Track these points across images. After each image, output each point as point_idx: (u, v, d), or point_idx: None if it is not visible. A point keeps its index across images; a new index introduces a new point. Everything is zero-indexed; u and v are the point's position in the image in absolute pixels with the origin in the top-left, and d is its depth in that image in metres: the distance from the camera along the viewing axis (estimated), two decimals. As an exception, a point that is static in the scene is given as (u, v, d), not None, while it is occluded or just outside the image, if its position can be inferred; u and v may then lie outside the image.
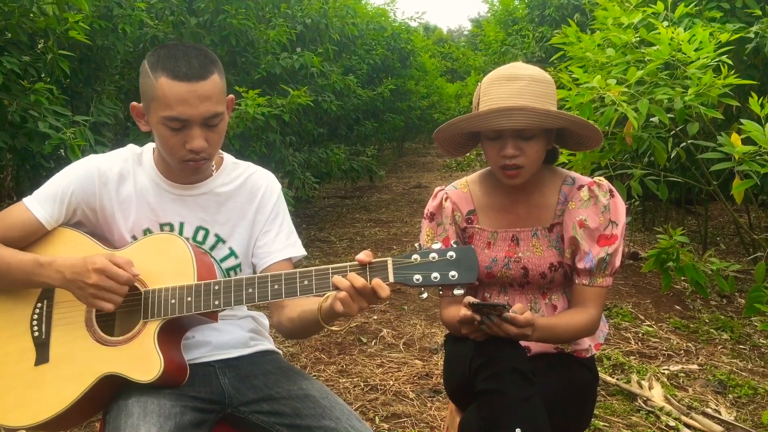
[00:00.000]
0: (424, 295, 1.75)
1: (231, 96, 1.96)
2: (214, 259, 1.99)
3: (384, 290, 1.70)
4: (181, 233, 1.98)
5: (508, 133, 2.04)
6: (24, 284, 1.89)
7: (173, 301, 1.81)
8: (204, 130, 1.83)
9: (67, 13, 3.61)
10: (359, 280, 1.70)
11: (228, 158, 2.11)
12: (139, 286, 1.85)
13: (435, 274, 1.70)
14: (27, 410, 1.82)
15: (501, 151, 2.05)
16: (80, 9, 3.63)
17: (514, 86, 2.05)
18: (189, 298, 1.81)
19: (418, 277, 1.71)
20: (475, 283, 2.26)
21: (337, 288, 1.72)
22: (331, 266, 1.76)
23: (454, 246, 1.72)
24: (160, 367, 1.75)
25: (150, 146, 2.05)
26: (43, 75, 3.69)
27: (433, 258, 1.71)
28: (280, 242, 2.07)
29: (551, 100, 2.06)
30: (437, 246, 1.73)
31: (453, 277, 1.70)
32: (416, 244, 1.80)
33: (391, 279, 1.71)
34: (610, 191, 2.15)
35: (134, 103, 1.93)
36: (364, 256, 1.73)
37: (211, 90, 1.82)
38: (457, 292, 1.74)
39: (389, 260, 1.72)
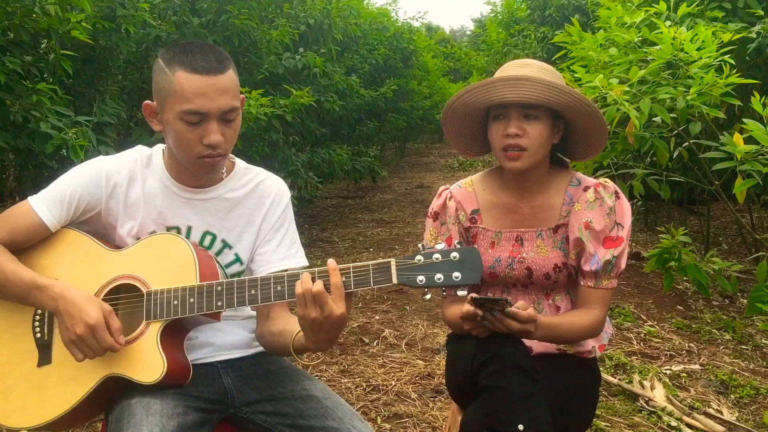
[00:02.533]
0: (428, 296, 1.73)
1: (243, 96, 1.95)
2: (219, 264, 1.98)
3: (335, 274, 1.67)
4: (188, 237, 1.97)
5: (513, 112, 2.05)
6: (19, 302, 1.87)
7: (176, 302, 1.81)
8: (221, 124, 1.83)
9: (69, 13, 3.61)
10: (315, 284, 1.66)
11: (240, 163, 2.09)
12: (141, 287, 1.85)
13: (438, 276, 1.69)
14: (30, 412, 1.82)
15: (504, 131, 2.06)
16: (83, 9, 3.63)
17: (524, 70, 2.09)
18: (191, 299, 1.81)
19: (421, 279, 1.69)
20: (479, 283, 2.26)
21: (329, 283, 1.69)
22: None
23: (458, 246, 1.71)
24: (163, 369, 1.75)
25: (159, 148, 2.03)
26: (45, 75, 3.69)
27: (437, 259, 1.70)
28: (281, 252, 2.05)
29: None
30: (441, 246, 1.72)
31: (456, 278, 1.69)
32: (419, 245, 1.78)
33: (395, 280, 1.70)
34: (616, 193, 2.15)
35: (147, 101, 1.91)
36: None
37: (228, 84, 1.82)
38: (461, 293, 1.72)
39: (392, 261, 1.71)
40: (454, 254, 1.69)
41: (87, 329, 1.73)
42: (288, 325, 1.89)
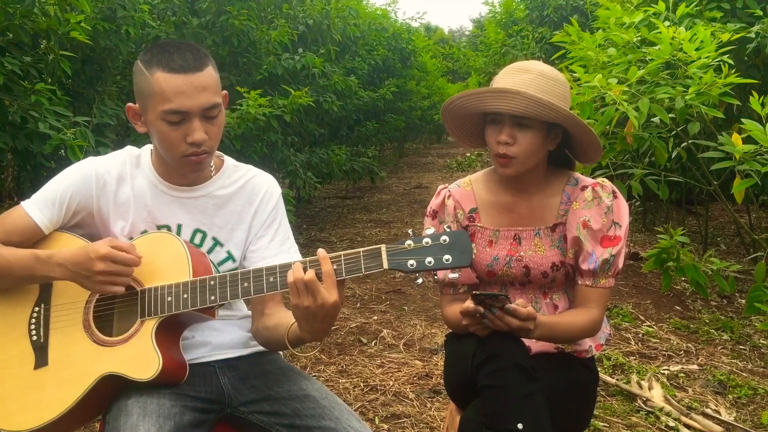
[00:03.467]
0: (419, 281, 1.73)
1: (225, 92, 1.95)
2: (211, 262, 1.98)
3: (326, 263, 1.68)
4: (178, 236, 1.98)
5: (507, 120, 2.07)
6: (27, 280, 1.89)
7: (170, 298, 1.81)
8: (203, 122, 1.83)
9: (68, 14, 3.61)
10: (310, 273, 1.66)
11: (228, 161, 2.10)
12: (135, 285, 1.85)
13: (429, 259, 1.69)
14: (28, 414, 1.82)
15: (496, 137, 2.09)
16: (82, 10, 3.63)
17: (521, 77, 2.08)
18: (185, 295, 1.81)
19: (412, 263, 1.69)
20: (476, 281, 2.27)
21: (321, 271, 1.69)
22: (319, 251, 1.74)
23: (448, 230, 1.72)
24: (159, 365, 1.75)
25: (148, 148, 2.04)
26: (44, 76, 3.69)
27: (427, 243, 1.70)
28: (273, 248, 2.05)
29: (558, 99, 2.05)
30: (430, 231, 1.73)
31: (447, 260, 1.69)
32: (409, 231, 1.79)
33: (386, 265, 1.69)
34: (614, 192, 2.16)
35: (129, 104, 1.93)
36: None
37: (207, 81, 1.82)
38: (452, 276, 1.76)
39: (383, 247, 1.71)
40: (444, 238, 1.70)
41: (103, 261, 1.76)
42: (283, 319, 1.90)
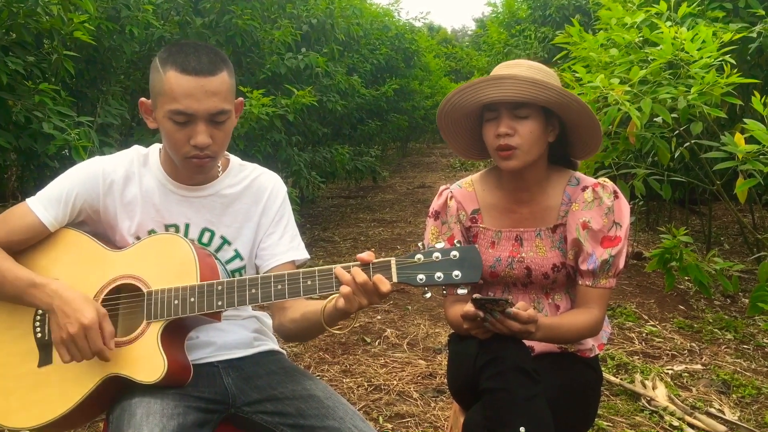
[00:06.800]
0: (428, 295, 1.74)
1: (240, 99, 1.95)
2: (219, 260, 1.99)
3: (385, 285, 1.70)
4: (186, 235, 1.98)
5: (504, 112, 2.06)
6: (14, 301, 1.87)
7: (176, 301, 1.82)
8: (209, 126, 1.84)
9: (72, 14, 3.61)
10: (361, 275, 1.70)
11: (234, 160, 2.11)
12: (142, 287, 1.85)
13: (438, 274, 1.70)
14: (31, 412, 1.83)
15: (495, 131, 2.07)
16: (86, 10, 3.64)
17: (511, 70, 2.10)
18: (192, 299, 1.81)
19: (421, 277, 1.70)
20: (480, 282, 2.27)
21: (339, 282, 1.72)
22: (334, 266, 1.76)
23: (458, 245, 1.72)
24: (164, 368, 1.76)
25: (156, 147, 2.04)
26: (48, 75, 3.69)
27: (437, 258, 1.71)
28: (284, 245, 2.06)
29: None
30: (440, 245, 1.73)
31: (456, 276, 1.69)
32: (419, 244, 1.79)
33: (395, 279, 1.71)
34: (614, 193, 2.15)
35: (143, 99, 1.94)
36: (366, 255, 1.74)
37: (218, 86, 1.82)
38: (461, 291, 1.74)
39: (392, 260, 1.72)
40: (454, 253, 1.70)
41: (80, 329, 1.73)
42: (308, 307, 1.92)
